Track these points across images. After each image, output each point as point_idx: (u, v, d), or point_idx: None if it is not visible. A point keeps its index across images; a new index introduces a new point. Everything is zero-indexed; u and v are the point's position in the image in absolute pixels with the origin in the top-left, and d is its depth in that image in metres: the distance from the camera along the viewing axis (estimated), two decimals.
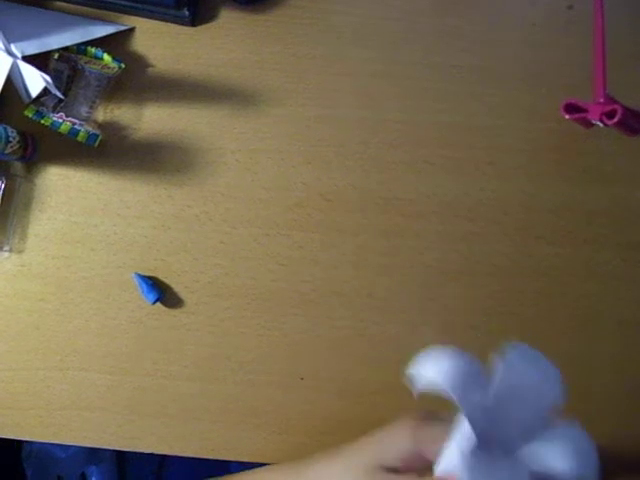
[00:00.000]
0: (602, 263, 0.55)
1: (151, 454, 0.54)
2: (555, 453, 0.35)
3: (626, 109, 0.51)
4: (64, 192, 0.56)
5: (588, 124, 0.55)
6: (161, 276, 0.55)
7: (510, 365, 0.36)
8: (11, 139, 0.52)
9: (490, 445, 0.35)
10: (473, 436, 0.33)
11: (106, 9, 0.59)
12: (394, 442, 0.37)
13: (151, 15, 0.58)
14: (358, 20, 0.59)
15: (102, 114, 0.57)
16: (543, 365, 0.37)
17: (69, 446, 0.74)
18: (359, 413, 0.54)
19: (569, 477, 0.34)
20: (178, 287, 0.55)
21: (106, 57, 0.56)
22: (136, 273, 0.54)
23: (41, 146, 0.57)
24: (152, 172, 0.56)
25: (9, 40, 0.53)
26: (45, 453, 0.77)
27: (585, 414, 0.54)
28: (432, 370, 0.34)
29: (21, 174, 0.56)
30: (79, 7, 0.59)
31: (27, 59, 0.52)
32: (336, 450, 0.41)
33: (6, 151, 0.52)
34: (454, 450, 0.33)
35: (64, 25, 0.56)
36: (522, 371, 0.36)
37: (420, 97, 0.58)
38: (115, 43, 0.58)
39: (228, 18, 0.59)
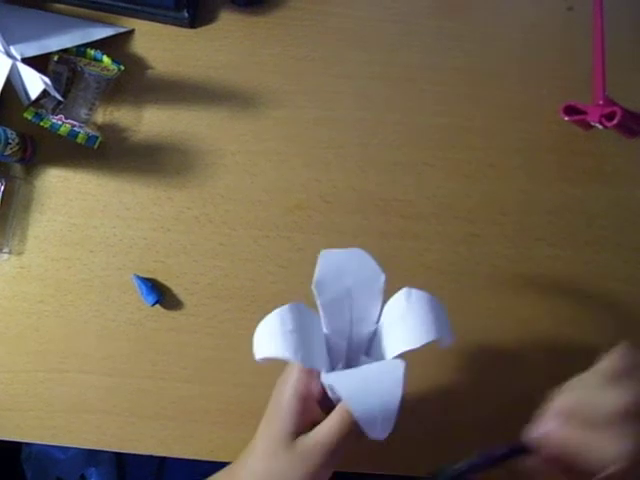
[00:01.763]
0: (602, 265, 0.55)
1: (150, 456, 0.54)
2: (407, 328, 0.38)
3: (625, 111, 0.51)
4: (63, 194, 0.56)
5: (587, 126, 0.55)
6: (160, 278, 0.55)
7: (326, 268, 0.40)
8: (10, 141, 0.52)
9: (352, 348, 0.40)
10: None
11: (105, 11, 0.59)
12: (285, 409, 0.38)
13: (150, 17, 0.58)
14: (357, 22, 0.59)
15: (101, 116, 0.57)
16: (354, 256, 0.41)
17: (68, 448, 0.74)
18: None
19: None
20: (177, 289, 0.55)
21: (105, 59, 0.56)
22: (135, 275, 0.54)
23: (40, 148, 0.57)
24: (151, 174, 0.56)
25: (8, 42, 0.53)
26: (45, 455, 0.77)
27: None
28: (267, 349, 0.37)
29: (20, 176, 0.56)
30: (78, 9, 0.59)
31: (26, 61, 0.52)
32: (252, 443, 0.41)
33: (5, 153, 0.52)
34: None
35: (63, 27, 0.56)
36: (338, 267, 0.40)
37: (419, 99, 0.58)
38: (114, 45, 0.58)
39: (227, 20, 0.59)
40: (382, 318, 0.40)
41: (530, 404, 0.40)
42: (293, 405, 0.37)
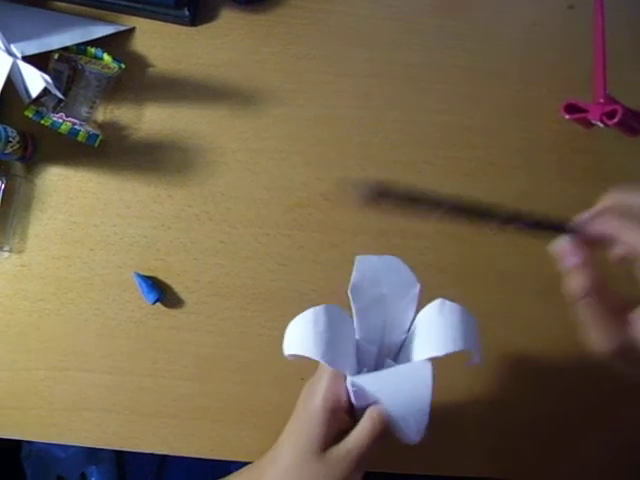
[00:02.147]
0: (602, 263, 0.55)
1: (151, 454, 0.54)
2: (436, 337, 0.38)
3: (626, 109, 0.51)
4: (64, 192, 0.56)
5: (588, 124, 0.55)
6: (161, 276, 0.55)
7: (362, 275, 0.40)
8: (11, 139, 0.52)
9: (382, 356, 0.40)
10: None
11: (106, 9, 0.59)
12: (315, 420, 0.37)
13: (151, 15, 0.58)
14: (358, 21, 0.59)
15: (102, 114, 0.57)
16: (389, 264, 0.41)
17: (69, 446, 0.74)
18: None
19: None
20: (178, 287, 0.55)
21: (106, 57, 0.56)
22: (136, 273, 0.54)
23: (41, 146, 0.57)
24: (152, 172, 0.56)
25: (9, 40, 0.53)
26: (45, 453, 0.77)
27: (592, 411, 0.54)
28: (297, 347, 0.37)
29: (21, 174, 0.56)
30: (79, 7, 0.59)
31: (27, 59, 0.52)
32: (276, 452, 0.40)
33: (6, 151, 0.52)
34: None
35: (64, 25, 0.56)
36: (374, 276, 0.40)
37: (420, 97, 0.58)
38: (115, 43, 0.58)
39: (228, 18, 0.59)
40: (413, 327, 0.40)
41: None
42: (323, 416, 0.37)
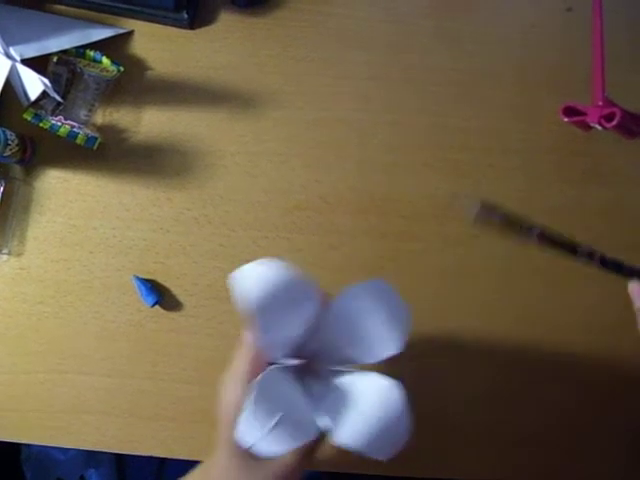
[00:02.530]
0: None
1: (150, 457, 0.54)
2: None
3: (625, 112, 0.51)
4: (63, 195, 0.56)
5: (587, 127, 0.55)
6: (160, 279, 0.55)
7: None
8: (10, 142, 0.52)
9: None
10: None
11: (105, 12, 0.59)
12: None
13: (150, 18, 0.58)
14: (356, 23, 0.59)
15: (101, 117, 0.57)
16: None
17: (68, 449, 0.74)
18: None
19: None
20: (177, 290, 0.55)
21: (105, 60, 0.56)
22: (135, 276, 0.54)
23: (40, 149, 0.57)
24: (151, 175, 0.56)
25: (8, 43, 0.53)
26: (44, 455, 0.77)
27: (599, 413, 0.54)
28: (248, 285, 0.35)
29: (20, 177, 0.56)
30: (78, 10, 0.59)
31: (26, 62, 0.52)
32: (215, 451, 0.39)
33: (5, 154, 0.52)
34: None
35: (63, 28, 0.56)
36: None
37: (419, 99, 0.58)
38: (114, 46, 0.58)
39: (227, 21, 0.59)
40: (334, 322, 0.38)
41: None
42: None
